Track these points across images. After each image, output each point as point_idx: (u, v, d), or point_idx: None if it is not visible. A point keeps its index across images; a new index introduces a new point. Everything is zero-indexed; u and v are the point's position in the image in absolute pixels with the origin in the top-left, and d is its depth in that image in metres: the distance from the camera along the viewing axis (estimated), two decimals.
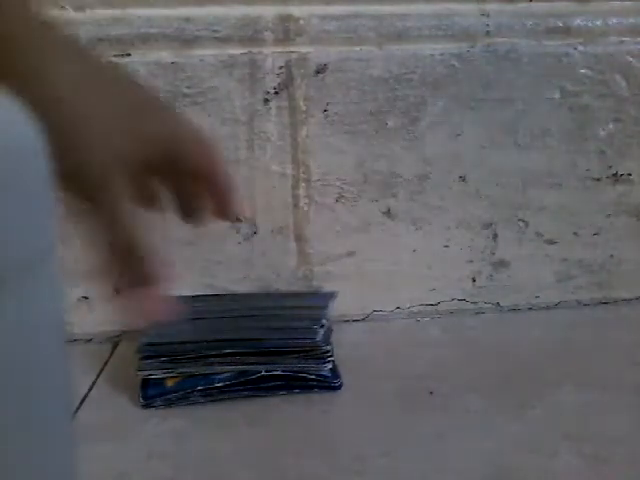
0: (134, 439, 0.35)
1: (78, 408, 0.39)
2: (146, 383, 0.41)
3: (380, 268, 0.51)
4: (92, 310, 0.52)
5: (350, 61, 0.52)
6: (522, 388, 0.41)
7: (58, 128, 0.25)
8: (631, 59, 0.55)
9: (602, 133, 0.56)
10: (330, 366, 0.42)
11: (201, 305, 0.48)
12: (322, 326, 0.44)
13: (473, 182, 0.55)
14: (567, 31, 0.54)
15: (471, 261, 0.56)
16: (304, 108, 0.52)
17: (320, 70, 0.52)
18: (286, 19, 0.51)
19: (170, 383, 0.41)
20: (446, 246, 0.56)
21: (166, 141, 0.30)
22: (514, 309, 0.57)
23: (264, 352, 0.42)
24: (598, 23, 0.55)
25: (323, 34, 0.52)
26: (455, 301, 0.56)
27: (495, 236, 0.56)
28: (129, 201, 0.26)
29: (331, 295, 0.50)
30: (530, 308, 0.57)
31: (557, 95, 0.55)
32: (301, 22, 0.51)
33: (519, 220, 0.56)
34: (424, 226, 0.55)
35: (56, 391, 0.14)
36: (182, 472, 0.32)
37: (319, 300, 0.48)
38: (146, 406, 0.39)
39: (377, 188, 0.54)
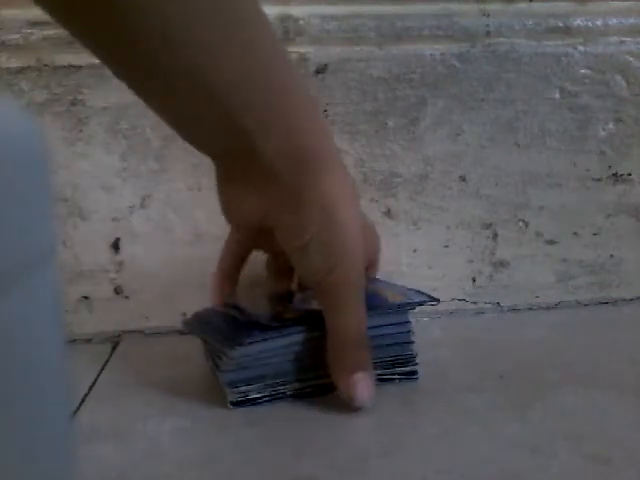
0: (134, 439, 0.35)
1: (78, 408, 0.39)
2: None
3: (380, 268, 0.50)
4: (92, 310, 0.52)
5: (350, 61, 0.52)
6: (522, 388, 0.41)
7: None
8: (631, 59, 0.55)
9: (602, 133, 0.56)
10: None
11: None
12: None
13: (473, 182, 0.55)
14: (567, 31, 0.54)
15: (471, 261, 0.56)
16: None
17: (320, 70, 0.52)
18: (286, 19, 0.51)
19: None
20: (446, 246, 0.56)
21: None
22: (514, 309, 0.57)
23: None
24: (598, 23, 0.55)
25: (323, 34, 0.52)
26: (455, 301, 0.56)
27: (495, 236, 0.56)
28: None
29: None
30: (530, 308, 0.57)
31: (557, 95, 0.55)
32: (301, 22, 0.51)
33: (519, 220, 0.56)
34: (424, 226, 0.55)
35: (55, 391, 0.14)
36: (183, 472, 0.32)
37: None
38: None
39: (377, 188, 0.54)
